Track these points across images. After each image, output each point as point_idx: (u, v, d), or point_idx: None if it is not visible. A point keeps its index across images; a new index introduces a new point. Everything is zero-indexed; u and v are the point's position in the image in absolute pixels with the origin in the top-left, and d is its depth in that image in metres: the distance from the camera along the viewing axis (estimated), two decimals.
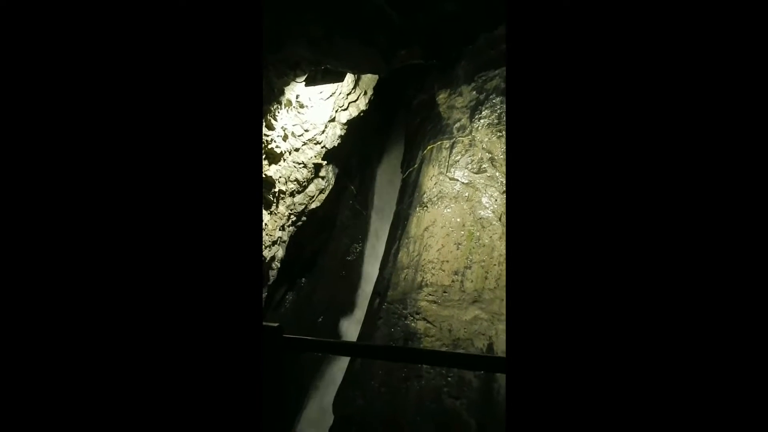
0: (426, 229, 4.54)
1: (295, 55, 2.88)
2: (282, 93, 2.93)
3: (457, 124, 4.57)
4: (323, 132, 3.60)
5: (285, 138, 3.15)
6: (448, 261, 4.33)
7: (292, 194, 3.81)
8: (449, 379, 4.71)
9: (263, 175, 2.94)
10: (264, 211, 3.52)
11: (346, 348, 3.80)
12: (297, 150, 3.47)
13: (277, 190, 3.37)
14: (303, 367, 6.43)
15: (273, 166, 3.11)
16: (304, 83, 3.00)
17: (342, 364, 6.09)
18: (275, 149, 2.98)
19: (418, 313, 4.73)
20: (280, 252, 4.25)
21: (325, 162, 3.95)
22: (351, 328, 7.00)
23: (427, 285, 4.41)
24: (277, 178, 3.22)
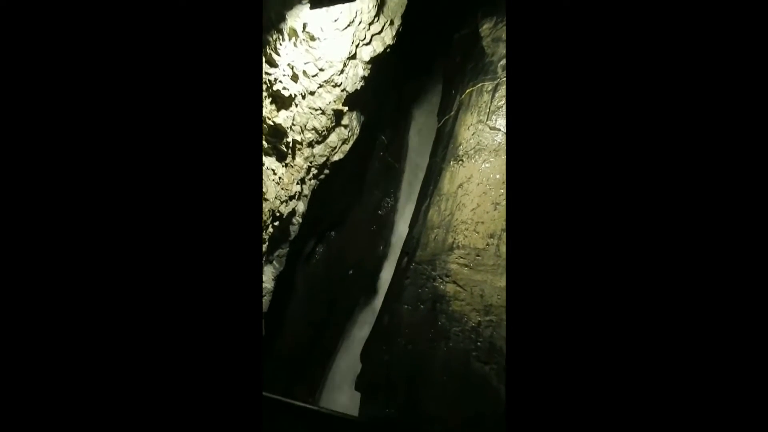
0: (460, 185, 4.05)
1: None
2: (282, 18, 2.42)
3: (503, 62, 3.84)
4: (342, 72, 3.12)
5: (295, 78, 2.73)
6: (483, 222, 3.87)
7: (310, 145, 3.44)
8: (479, 344, 4.48)
9: (272, 123, 2.60)
10: (278, 163, 3.22)
11: None
12: (312, 93, 3.04)
13: (290, 140, 3.02)
14: (339, 310, 6.52)
15: (283, 111, 2.74)
16: (309, 4, 2.46)
17: (370, 317, 6.12)
18: (282, 92, 2.59)
19: (447, 276, 4.40)
20: (300, 207, 4.01)
21: (347, 108, 3.50)
22: (382, 284, 6.93)
23: (458, 247, 4.02)
24: (289, 126, 2.86)
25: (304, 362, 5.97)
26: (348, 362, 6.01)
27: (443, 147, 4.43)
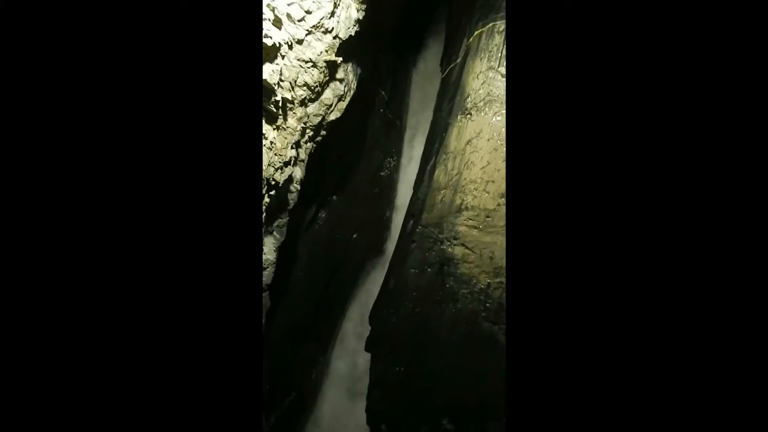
0: (468, 142, 3.72)
1: None
2: None
3: None
4: (333, 14, 2.69)
5: (278, 23, 2.33)
6: (494, 181, 3.60)
7: (303, 103, 3.09)
8: (488, 305, 4.41)
9: None
10: (268, 126, 2.90)
11: None
12: (300, 42, 2.65)
13: (279, 98, 2.68)
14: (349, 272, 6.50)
15: (268, 65, 2.38)
16: None
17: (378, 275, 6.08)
18: (265, 40, 2.21)
19: (455, 238, 4.21)
20: (297, 173, 3.72)
21: (341, 59, 3.10)
22: (388, 247, 6.82)
23: (467, 208, 3.78)
24: (276, 82, 2.51)
25: (312, 329, 6.00)
26: (356, 326, 6.05)
27: (449, 100, 4.05)
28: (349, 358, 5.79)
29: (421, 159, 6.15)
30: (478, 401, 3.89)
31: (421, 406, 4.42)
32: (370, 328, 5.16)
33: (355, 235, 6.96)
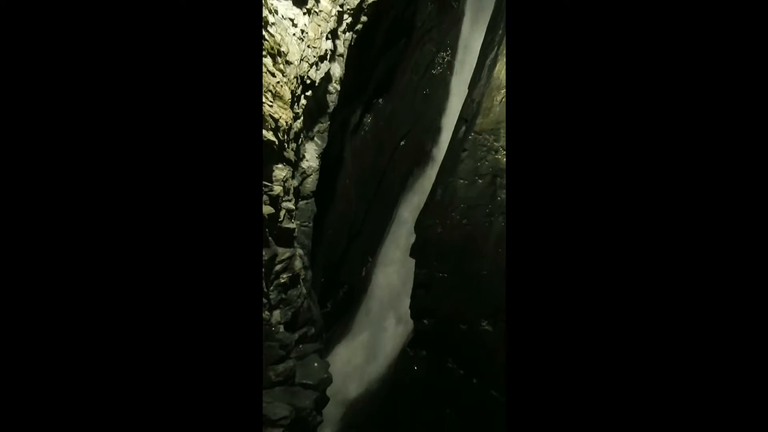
0: None
1: None
2: None
3: None
4: None
5: None
6: None
7: None
8: None
9: None
10: (297, 10, 2.49)
11: None
12: None
13: None
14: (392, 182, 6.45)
15: None
16: None
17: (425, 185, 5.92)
18: None
19: None
20: (336, 70, 3.34)
21: None
22: (436, 156, 6.45)
23: None
24: None
25: (362, 231, 6.20)
26: (401, 234, 6.14)
27: None
28: (396, 261, 6.03)
29: (480, 51, 5.27)
30: None
31: (462, 307, 4.58)
32: (415, 236, 5.20)
33: (402, 142, 6.60)
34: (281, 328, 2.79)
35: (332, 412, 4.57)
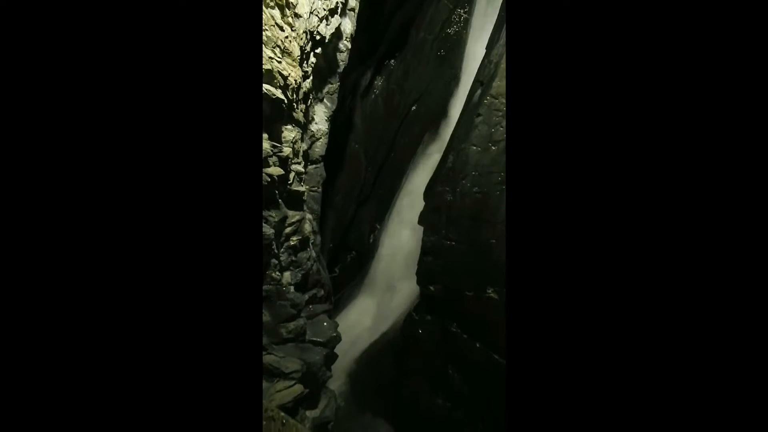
0: None
1: None
2: None
3: None
4: None
5: None
6: None
7: None
8: None
9: None
10: None
11: None
12: None
13: None
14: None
15: None
16: None
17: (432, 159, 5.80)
18: None
19: None
20: (347, 25, 3.17)
21: None
22: (449, 121, 6.25)
23: None
24: None
25: (371, 197, 6.17)
26: (410, 200, 6.10)
27: None
28: (405, 227, 6.03)
29: (499, 9, 4.93)
30: None
31: (468, 275, 4.60)
32: (424, 203, 5.15)
33: (414, 106, 6.38)
34: (291, 288, 2.85)
35: (340, 368, 4.78)
